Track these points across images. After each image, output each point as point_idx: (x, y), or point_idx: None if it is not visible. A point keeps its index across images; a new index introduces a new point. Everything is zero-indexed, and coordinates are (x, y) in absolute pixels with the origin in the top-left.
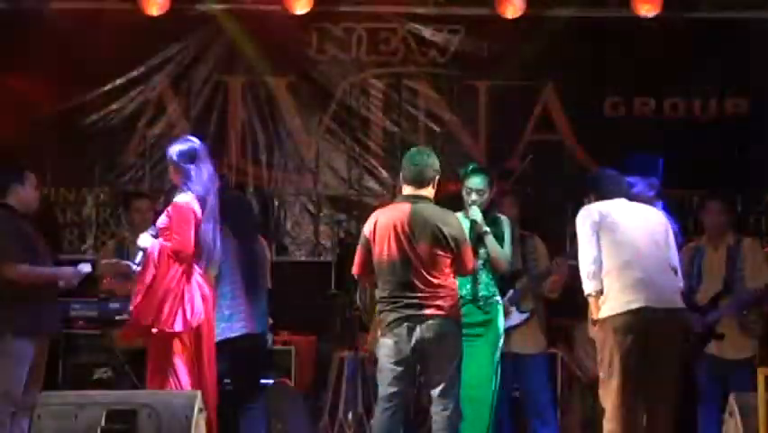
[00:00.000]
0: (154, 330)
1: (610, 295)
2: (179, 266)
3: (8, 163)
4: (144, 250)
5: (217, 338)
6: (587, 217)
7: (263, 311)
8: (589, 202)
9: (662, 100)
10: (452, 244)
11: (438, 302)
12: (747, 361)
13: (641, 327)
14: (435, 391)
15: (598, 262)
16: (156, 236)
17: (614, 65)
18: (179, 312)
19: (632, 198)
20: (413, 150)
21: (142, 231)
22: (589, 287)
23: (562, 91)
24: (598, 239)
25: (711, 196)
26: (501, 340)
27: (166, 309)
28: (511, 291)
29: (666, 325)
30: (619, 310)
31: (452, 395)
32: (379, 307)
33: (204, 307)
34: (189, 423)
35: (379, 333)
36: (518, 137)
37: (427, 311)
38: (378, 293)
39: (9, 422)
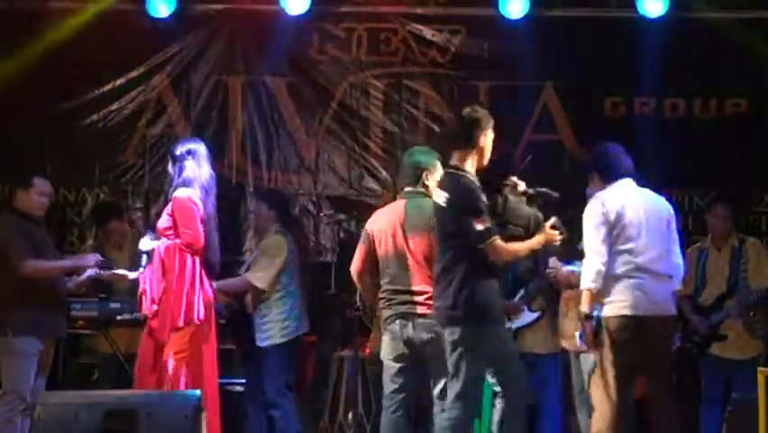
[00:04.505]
0: (181, 324)
1: (607, 296)
2: (191, 260)
3: (22, 166)
4: (148, 253)
5: (291, 336)
6: (602, 215)
7: None
8: (593, 184)
9: (663, 100)
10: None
11: (432, 302)
12: (751, 361)
13: (632, 329)
14: (435, 391)
15: (606, 264)
16: (157, 239)
17: (614, 65)
18: (197, 304)
19: (635, 176)
20: (407, 150)
21: (119, 248)
22: (592, 284)
23: (562, 91)
24: (610, 239)
25: (719, 199)
26: None
27: (189, 303)
28: (522, 291)
29: (657, 329)
30: (613, 313)
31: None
32: (379, 303)
33: (205, 305)
34: (189, 423)
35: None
36: (518, 137)
37: (420, 310)
38: (380, 290)
39: (20, 420)
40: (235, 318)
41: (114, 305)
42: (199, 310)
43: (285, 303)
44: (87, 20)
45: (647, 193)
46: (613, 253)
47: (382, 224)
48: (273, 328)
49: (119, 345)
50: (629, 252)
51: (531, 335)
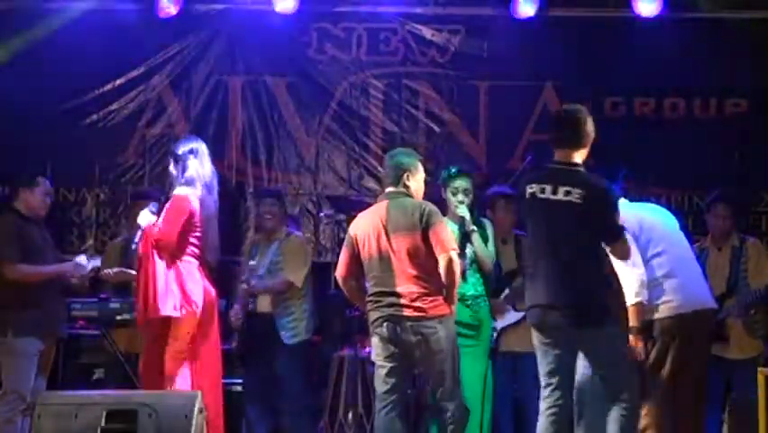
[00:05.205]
0: (151, 317)
1: (656, 300)
2: (164, 254)
3: (24, 166)
4: (143, 229)
5: (312, 332)
6: (627, 229)
7: None
8: None
9: (662, 100)
10: (425, 222)
11: (418, 303)
12: (751, 361)
13: (688, 326)
14: (435, 393)
15: (645, 273)
16: (156, 214)
17: (614, 65)
18: (171, 298)
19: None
20: (389, 152)
21: None
22: (638, 297)
23: (562, 91)
24: (640, 248)
25: (719, 199)
26: (492, 340)
27: (156, 295)
28: (507, 291)
29: (707, 324)
30: (667, 314)
31: (450, 394)
32: (366, 306)
33: (206, 305)
34: (189, 423)
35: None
36: (518, 137)
37: (407, 312)
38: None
39: (20, 420)
40: (253, 319)
41: (114, 305)
42: (183, 305)
43: (307, 300)
44: (87, 19)
45: (648, 204)
46: (647, 260)
47: (365, 226)
48: (299, 326)
49: (119, 346)
50: (660, 254)
51: (516, 334)
